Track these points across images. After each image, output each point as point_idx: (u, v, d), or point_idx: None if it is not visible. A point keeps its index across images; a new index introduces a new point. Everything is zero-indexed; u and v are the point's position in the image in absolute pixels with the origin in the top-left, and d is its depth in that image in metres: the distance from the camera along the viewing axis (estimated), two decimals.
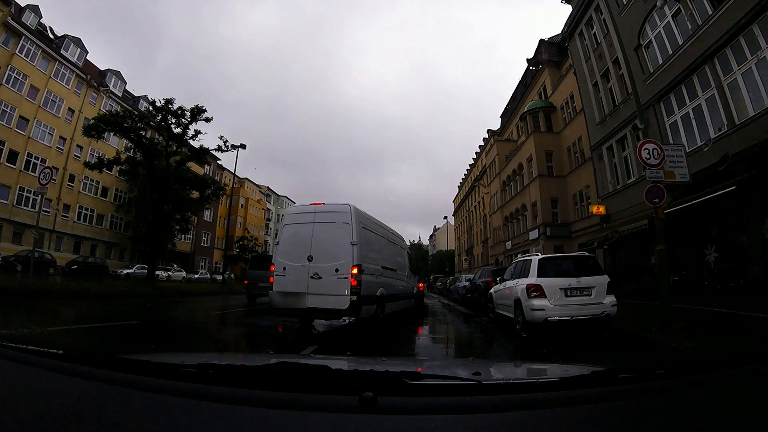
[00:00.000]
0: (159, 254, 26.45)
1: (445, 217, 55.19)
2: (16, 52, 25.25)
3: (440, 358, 5.35)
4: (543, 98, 25.81)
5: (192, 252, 42.76)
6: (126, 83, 35.90)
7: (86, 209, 31.46)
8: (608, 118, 16.86)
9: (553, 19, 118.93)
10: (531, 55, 28.44)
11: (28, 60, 26.12)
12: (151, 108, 20.19)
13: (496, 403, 0.86)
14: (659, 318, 6.84)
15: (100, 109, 28.85)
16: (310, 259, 6.81)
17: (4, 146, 25.07)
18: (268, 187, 62.68)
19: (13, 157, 25.65)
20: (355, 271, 6.58)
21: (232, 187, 28.77)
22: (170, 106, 19.39)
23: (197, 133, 20.03)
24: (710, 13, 10.84)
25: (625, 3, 14.80)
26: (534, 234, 23.59)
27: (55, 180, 24.84)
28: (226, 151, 21.21)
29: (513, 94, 33.90)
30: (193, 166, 24.68)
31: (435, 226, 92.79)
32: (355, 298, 6.50)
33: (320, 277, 6.68)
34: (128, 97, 35.64)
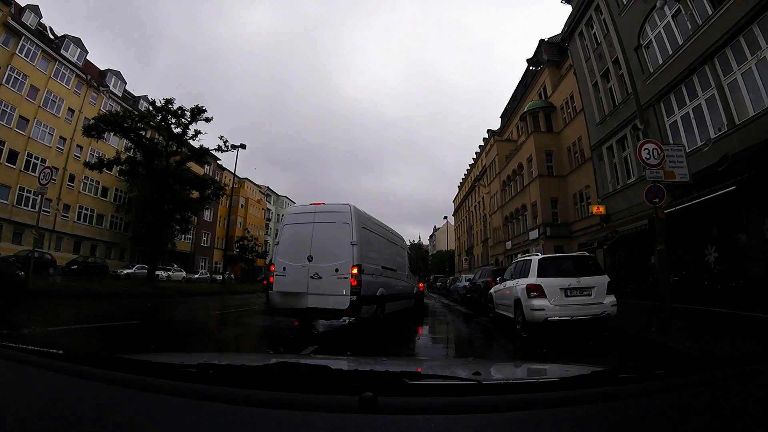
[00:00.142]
0: (159, 254, 26.46)
1: (445, 217, 55.25)
2: (16, 52, 25.24)
3: (440, 358, 5.35)
4: (543, 98, 25.81)
5: (192, 252, 42.76)
6: (126, 83, 35.93)
7: (86, 209, 31.47)
8: (608, 118, 16.86)
9: (553, 19, 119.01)
10: (531, 55, 28.45)
11: (28, 60, 26.13)
12: (151, 108, 20.21)
13: (496, 403, 0.86)
14: (659, 318, 6.84)
15: (100, 109, 28.85)
16: (310, 259, 6.81)
17: (4, 146, 25.07)
18: (268, 187, 62.69)
19: (13, 157, 25.65)
20: (355, 271, 6.58)
21: (232, 187, 28.77)
22: (170, 106, 19.40)
23: (197, 133, 20.05)
24: (710, 13, 10.84)
25: (625, 3, 14.80)
26: (534, 234, 23.59)
27: (55, 180, 24.85)
28: (226, 151, 21.23)
29: (513, 94, 33.91)
30: (193, 166, 24.68)
31: (435, 226, 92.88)
32: (355, 298, 6.50)
33: (320, 277, 6.68)
34: (128, 97, 35.65)
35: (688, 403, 0.92)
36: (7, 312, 6.26)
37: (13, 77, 25.26)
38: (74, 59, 30.01)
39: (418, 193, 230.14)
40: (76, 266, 23.88)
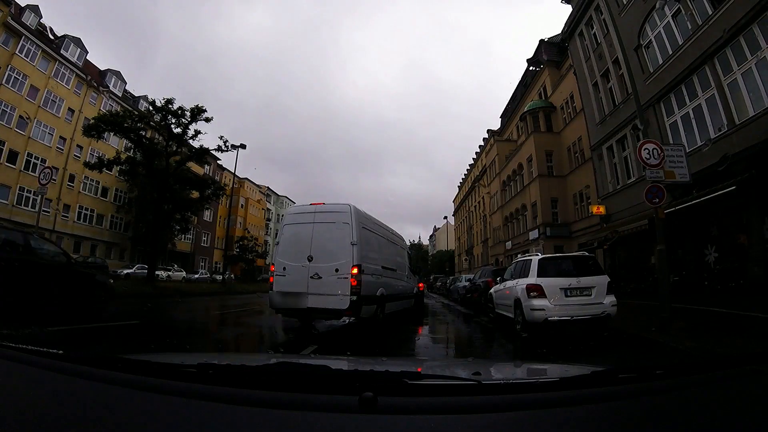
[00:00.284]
0: (159, 254, 26.47)
1: (445, 217, 55.26)
2: (16, 52, 25.25)
3: (440, 358, 5.35)
4: (543, 98, 25.81)
5: (192, 252, 42.77)
6: (126, 83, 35.94)
7: (86, 209, 31.47)
8: (608, 118, 16.86)
9: (553, 19, 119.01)
10: (531, 55, 28.45)
11: (28, 60, 26.13)
12: (151, 108, 20.22)
13: (496, 403, 0.86)
14: (659, 318, 6.85)
15: (100, 109, 28.85)
16: (310, 259, 6.81)
17: (4, 146, 25.08)
18: (268, 187, 62.70)
19: (13, 157, 25.65)
20: (355, 271, 6.59)
21: (232, 187, 28.78)
22: (170, 106, 19.41)
23: (197, 133, 20.07)
24: (710, 13, 10.84)
25: (625, 3, 14.80)
26: (534, 234, 23.60)
27: (55, 180, 24.85)
28: (226, 151, 21.24)
29: (513, 94, 33.91)
30: (193, 166, 24.69)
31: (435, 226, 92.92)
32: (355, 298, 6.50)
33: (320, 277, 6.68)
34: (128, 97, 35.65)
35: (688, 403, 0.92)
36: (102, 311, 8.34)
37: (13, 77, 25.27)
38: (74, 59, 30.02)
39: (418, 193, 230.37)
40: None
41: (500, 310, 9.01)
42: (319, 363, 1.26)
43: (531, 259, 7.83)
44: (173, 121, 19.68)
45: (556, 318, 6.65)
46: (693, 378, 1.07)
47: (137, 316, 8.50)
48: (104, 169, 20.41)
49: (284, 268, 7.03)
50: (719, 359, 2.38)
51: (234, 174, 27.55)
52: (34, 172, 24.19)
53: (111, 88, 33.63)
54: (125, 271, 26.77)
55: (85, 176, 30.23)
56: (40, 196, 11.69)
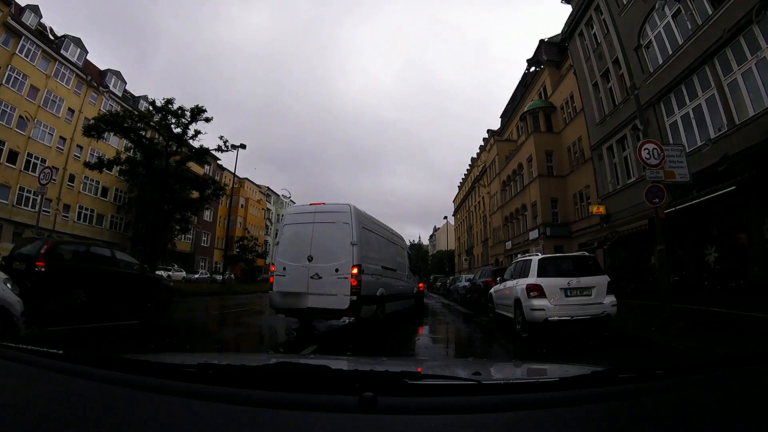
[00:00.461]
0: (159, 254, 26.48)
1: (445, 217, 55.25)
2: (16, 52, 25.24)
3: (440, 358, 5.36)
4: (543, 98, 25.80)
5: (192, 252, 42.76)
6: (126, 83, 35.93)
7: (86, 209, 31.47)
8: (608, 118, 16.86)
9: (553, 19, 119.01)
10: (531, 55, 28.45)
11: (28, 60, 26.12)
12: (151, 108, 20.23)
13: (496, 403, 0.86)
14: (659, 318, 6.85)
15: (100, 109, 28.85)
16: (310, 259, 6.82)
17: (4, 146, 25.07)
18: (268, 187, 62.69)
19: (13, 157, 25.65)
20: (355, 271, 6.59)
21: (232, 187, 28.77)
22: (170, 106, 19.43)
23: (197, 133, 20.10)
24: (710, 13, 10.84)
25: (625, 3, 14.80)
26: (534, 234, 23.60)
27: (55, 180, 24.85)
28: (226, 151, 21.27)
29: (513, 94, 33.90)
30: (193, 166, 24.71)
31: (435, 226, 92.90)
32: (355, 298, 6.50)
33: (320, 277, 6.68)
34: (128, 97, 35.65)
35: (688, 403, 0.92)
36: (163, 311, 9.81)
37: (13, 77, 25.26)
38: (74, 59, 30.02)
39: (417, 194, 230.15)
40: None
41: (500, 310, 9.01)
42: (319, 363, 1.27)
43: (531, 259, 7.83)
44: (173, 121, 19.69)
45: (556, 318, 6.65)
46: (693, 378, 1.07)
47: (137, 316, 8.51)
48: (104, 169, 20.43)
49: (284, 268, 7.03)
50: (719, 359, 2.38)
51: (234, 174, 27.53)
52: (34, 172, 24.19)
53: (111, 88, 33.62)
54: None
55: (85, 176, 30.23)
56: (40, 196, 11.70)
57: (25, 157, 26.39)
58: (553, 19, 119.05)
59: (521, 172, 26.29)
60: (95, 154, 28.22)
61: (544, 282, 6.94)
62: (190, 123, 19.73)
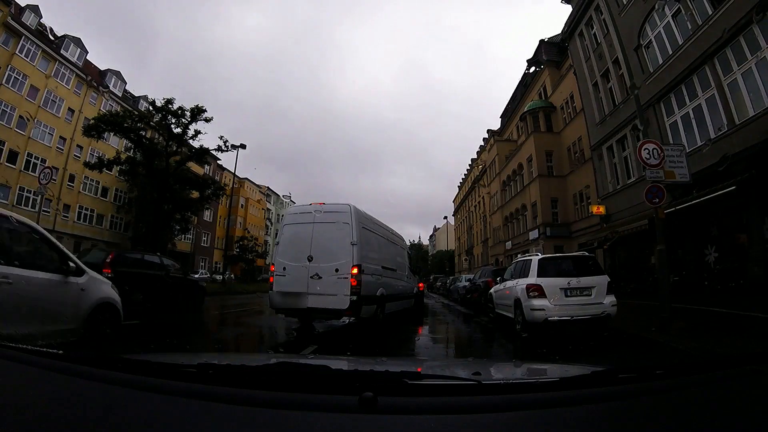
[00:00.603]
0: (159, 254, 26.45)
1: (445, 217, 55.25)
2: (16, 52, 25.24)
3: (440, 358, 5.36)
4: (543, 98, 25.80)
5: (192, 252, 42.73)
6: (126, 83, 35.91)
7: (86, 209, 31.45)
8: (608, 118, 16.86)
9: (553, 19, 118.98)
10: (531, 56, 28.45)
11: (28, 60, 26.12)
12: (151, 108, 20.26)
13: (496, 403, 0.86)
14: (659, 318, 6.84)
15: (100, 109, 28.86)
16: (310, 259, 6.81)
17: (4, 146, 25.07)
18: (268, 187, 62.68)
19: (13, 157, 25.65)
20: (355, 271, 6.59)
21: (232, 187, 28.77)
22: (170, 106, 19.46)
23: (197, 133, 20.13)
24: (710, 13, 10.84)
25: (625, 3, 14.80)
26: (534, 234, 23.59)
27: (55, 180, 24.85)
28: (226, 151, 21.32)
29: (513, 94, 33.90)
30: (193, 166, 24.73)
31: (435, 226, 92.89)
32: (355, 298, 6.50)
33: (320, 277, 6.68)
34: (128, 97, 35.63)
35: (688, 403, 0.92)
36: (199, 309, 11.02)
37: (13, 77, 25.26)
38: (74, 59, 30.01)
39: (417, 194, 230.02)
40: None
41: (500, 310, 9.01)
42: (319, 363, 1.27)
43: (531, 259, 7.83)
44: (173, 121, 19.72)
45: (556, 318, 6.65)
46: (693, 378, 1.07)
47: (137, 316, 8.50)
48: (104, 169, 20.46)
49: (284, 268, 7.03)
50: (719, 359, 2.38)
51: (234, 174, 27.52)
52: (34, 172, 24.19)
53: (111, 88, 33.61)
54: None
55: (85, 176, 30.23)
56: (40, 196, 11.71)
57: (25, 157, 26.39)
58: (553, 19, 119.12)
59: (521, 172, 26.29)
60: (95, 154, 28.23)
61: (544, 282, 6.94)
62: (190, 123, 19.76)
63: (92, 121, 20.09)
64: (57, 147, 28.86)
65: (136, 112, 21.59)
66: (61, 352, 1.09)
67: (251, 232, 49.18)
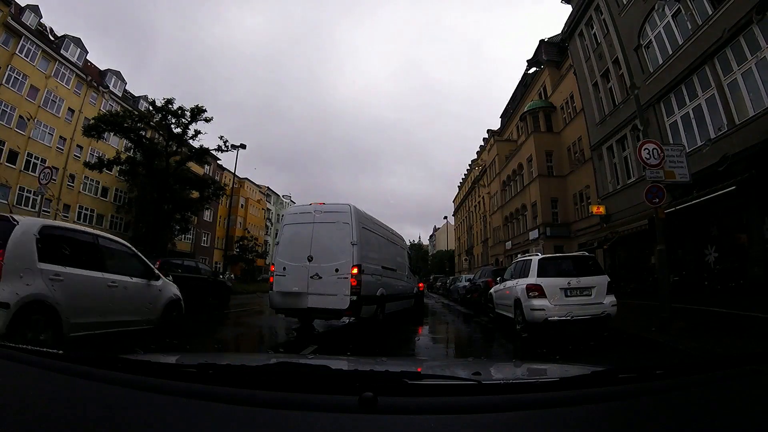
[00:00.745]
0: (159, 254, 26.45)
1: (445, 217, 55.28)
2: (16, 52, 25.23)
3: (440, 358, 5.36)
4: (543, 98, 25.80)
5: (192, 252, 42.69)
6: (126, 83, 35.89)
7: (86, 209, 31.44)
8: (608, 118, 16.86)
9: (553, 19, 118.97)
10: (531, 56, 28.45)
11: (28, 60, 26.11)
12: (151, 108, 20.27)
13: (496, 403, 0.86)
14: (659, 318, 6.85)
15: (100, 109, 28.85)
16: (310, 259, 6.81)
17: (4, 146, 25.06)
18: (268, 187, 62.67)
19: (13, 157, 25.65)
20: (355, 271, 6.59)
21: (232, 187, 28.77)
22: (170, 106, 19.46)
23: (197, 133, 20.13)
24: (710, 13, 10.84)
25: (625, 3, 14.80)
26: (534, 234, 23.60)
27: (55, 180, 24.85)
28: (226, 151, 21.34)
29: (513, 94, 33.90)
30: (193, 166, 24.73)
31: (435, 226, 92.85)
32: (355, 298, 6.50)
33: (320, 277, 6.68)
34: (128, 97, 35.61)
35: (688, 403, 0.92)
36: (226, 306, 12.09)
37: (13, 77, 25.25)
38: (74, 59, 30.00)
39: (417, 194, 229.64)
40: None
41: (500, 310, 9.01)
42: (319, 363, 1.27)
43: (531, 259, 7.83)
44: (173, 121, 19.73)
45: (556, 318, 6.65)
46: (693, 378, 1.07)
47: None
48: (104, 169, 20.46)
49: (284, 268, 7.03)
50: (719, 359, 2.38)
51: (234, 174, 27.53)
52: (34, 172, 24.18)
53: (111, 88, 33.60)
54: None
55: (85, 176, 30.22)
56: (40, 196, 11.70)
57: (25, 157, 26.39)
58: (553, 19, 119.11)
59: (521, 172, 26.29)
60: (95, 154, 28.23)
61: (544, 282, 6.94)
62: (190, 123, 19.77)
63: (92, 121, 20.11)
64: (57, 147, 28.84)
65: (136, 112, 21.61)
66: (61, 352, 1.09)
67: (251, 232, 49.18)
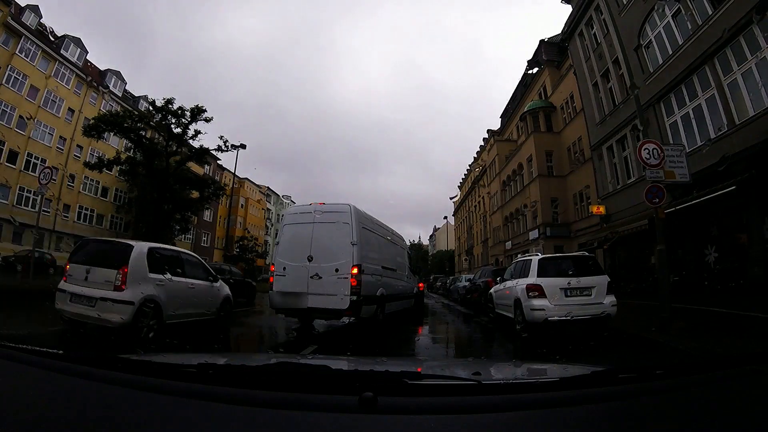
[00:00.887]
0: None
1: (445, 217, 55.23)
2: (16, 52, 25.24)
3: (440, 358, 5.36)
4: (543, 98, 25.80)
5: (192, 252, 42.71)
6: (126, 83, 35.91)
7: (86, 209, 31.46)
8: (608, 118, 16.86)
9: (553, 19, 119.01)
10: (531, 56, 28.45)
11: (28, 60, 26.12)
12: (151, 108, 20.27)
13: (496, 403, 0.86)
14: (659, 318, 6.85)
15: (100, 109, 28.86)
16: (310, 259, 6.81)
17: (4, 146, 25.07)
18: (268, 187, 62.68)
19: (13, 157, 25.65)
20: (355, 271, 6.59)
21: (232, 187, 28.77)
22: (170, 106, 19.45)
23: (197, 133, 20.12)
24: (710, 13, 10.84)
25: (625, 3, 14.80)
26: (534, 234, 23.60)
27: (55, 180, 24.86)
28: (226, 151, 21.33)
29: (513, 94, 33.90)
30: (193, 166, 24.73)
31: (435, 226, 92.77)
32: (355, 298, 6.50)
33: (320, 277, 6.68)
34: (128, 97, 35.62)
35: (688, 403, 0.92)
36: (252, 303, 12.22)
37: (13, 77, 25.26)
38: (74, 59, 30.01)
39: (417, 194, 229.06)
40: None
41: (500, 310, 9.01)
42: (319, 363, 1.27)
43: (531, 259, 7.83)
44: (173, 121, 19.72)
45: (556, 318, 6.65)
46: (693, 378, 1.07)
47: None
48: (104, 169, 20.45)
49: (284, 268, 7.03)
50: (719, 359, 2.38)
51: (234, 174, 27.52)
52: (34, 172, 24.19)
53: (111, 88, 33.61)
54: None
55: (85, 176, 30.23)
56: (40, 196, 11.71)
57: (25, 157, 26.39)
58: (553, 19, 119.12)
59: (521, 172, 26.29)
60: (95, 154, 28.24)
61: (544, 282, 6.94)
62: (190, 123, 19.76)
63: (92, 121, 20.10)
64: (57, 147, 28.86)
65: (136, 112, 21.61)
66: (61, 352, 1.09)
67: (251, 232, 49.18)
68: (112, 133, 20.89)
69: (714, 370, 1.13)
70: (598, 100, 17.79)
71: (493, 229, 34.46)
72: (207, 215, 42.69)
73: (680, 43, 12.05)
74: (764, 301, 8.01)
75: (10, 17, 24.50)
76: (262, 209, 58.48)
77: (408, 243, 21.43)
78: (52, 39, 28.91)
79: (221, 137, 21.18)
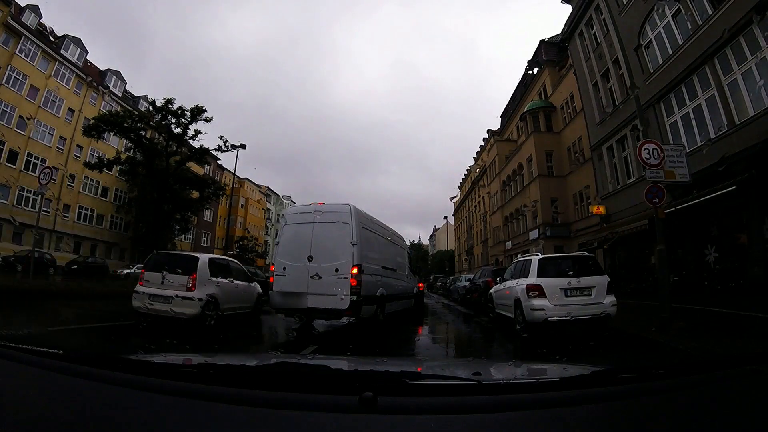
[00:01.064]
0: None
1: (445, 217, 55.23)
2: (16, 52, 25.24)
3: (440, 358, 5.36)
4: (543, 98, 25.79)
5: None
6: (126, 83, 35.91)
7: (86, 209, 31.45)
8: (608, 119, 16.86)
9: (553, 19, 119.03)
10: (531, 56, 28.45)
11: (28, 60, 26.12)
12: (151, 108, 20.27)
13: (496, 403, 0.86)
14: (659, 318, 6.85)
15: (100, 109, 28.86)
16: (310, 259, 6.81)
17: (4, 146, 25.07)
18: (268, 187, 62.68)
19: (13, 157, 25.65)
20: (355, 271, 6.59)
21: (232, 187, 28.76)
22: (170, 106, 19.45)
23: (197, 133, 20.12)
24: (710, 13, 10.84)
25: (625, 3, 14.80)
26: (534, 234, 23.60)
27: (55, 180, 24.85)
28: (226, 151, 21.32)
29: (513, 94, 33.90)
30: (193, 166, 24.73)
31: (435, 226, 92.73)
32: (355, 298, 6.50)
33: (320, 277, 6.68)
34: (128, 97, 35.62)
35: (688, 403, 0.92)
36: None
37: (13, 77, 25.26)
38: (74, 59, 30.01)
39: (417, 194, 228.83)
40: (76, 266, 23.82)
41: (500, 310, 9.01)
42: (319, 363, 1.27)
43: (531, 259, 7.83)
44: (173, 121, 19.72)
45: (556, 318, 6.64)
46: (693, 378, 1.07)
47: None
48: (104, 169, 20.45)
49: (284, 268, 7.03)
50: (719, 359, 2.38)
51: (234, 174, 27.51)
52: (34, 172, 24.18)
53: (111, 88, 33.61)
54: (125, 271, 26.64)
55: (85, 176, 30.23)
56: (40, 196, 11.71)
57: (25, 157, 26.39)
58: (553, 19, 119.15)
59: (521, 172, 26.29)
60: (95, 154, 28.24)
61: (544, 282, 6.94)
62: (190, 123, 19.76)
63: (92, 121, 20.12)
64: (57, 147, 28.86)
65: (136, 112, 21.63)
66: (61, 352, 1.09)
67: (251, 232, 49.21)
68: (112, 133, 20.89)
69: (714, 370, 1.13)
70: (598, 100, 17.78)
71: (493, 229, 34.46)
72: (207, 215, 42.70)
73: (680, 43, 12.05)
74: (764, 301, 8.01)
75: (10, 17, 24.50)
76: (262, 209, 58.49)
77: (408, 243, 21.43)
78: (52, 39, 28.91)
79: (221, 137, 21.20)
